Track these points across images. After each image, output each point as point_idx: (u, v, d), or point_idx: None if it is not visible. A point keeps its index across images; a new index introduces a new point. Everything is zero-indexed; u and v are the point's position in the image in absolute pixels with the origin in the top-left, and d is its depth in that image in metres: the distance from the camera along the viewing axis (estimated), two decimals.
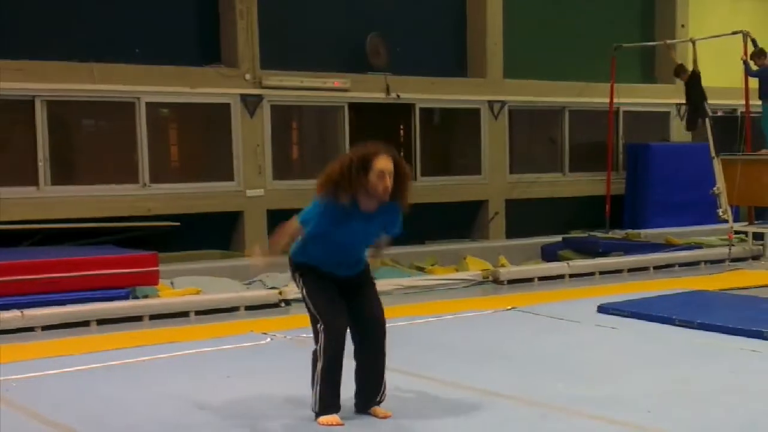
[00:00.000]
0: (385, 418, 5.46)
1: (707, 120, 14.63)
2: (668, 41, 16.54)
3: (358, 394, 5.51)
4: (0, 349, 7.93)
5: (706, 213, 15.23)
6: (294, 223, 5.31)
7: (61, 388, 6.40)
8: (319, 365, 5.23)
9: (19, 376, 6.65)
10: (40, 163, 12.50)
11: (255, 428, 5.37)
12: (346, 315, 5.31)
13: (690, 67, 15.21)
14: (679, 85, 16.36)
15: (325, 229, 5.23)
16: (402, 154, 15.73)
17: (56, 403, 5.95)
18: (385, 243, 5.60)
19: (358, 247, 5.41)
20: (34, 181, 12.50)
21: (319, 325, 5.24)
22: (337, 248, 5.31)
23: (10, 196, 12.23)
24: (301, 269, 5.38)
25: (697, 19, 18.79)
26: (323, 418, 5.29)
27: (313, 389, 5.30)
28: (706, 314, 8.41)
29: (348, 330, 5.35)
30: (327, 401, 5.30)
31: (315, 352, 5.27)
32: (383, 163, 5.14)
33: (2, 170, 12.43)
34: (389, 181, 5.15)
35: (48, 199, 12.52)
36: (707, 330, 7.94)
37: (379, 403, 5.52)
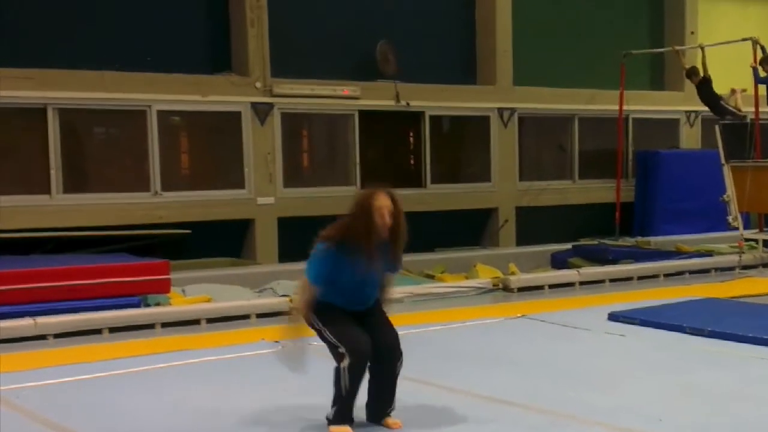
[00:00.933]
0: (395, 428, 5.53)
1: (717, 127, 14.62)
2: (677, 47, 16.54)
3: (370, 405, 5.60)
4: (13, 357, 8.00)
5: (716, 220, 15.22)
6: (307, 287, 5.45)
7: (73, 395, 6.43)
8: (343, 384, 5.34)
9: (31, 384, 6.69)
10: (53, 171, 12.55)
11: None
12: (366, 338, 5.41)
13: (701, 72, 15.20)
14: (689, 92, 16.36)
15: (333, 277, 5.39)
16: (412, 161, 15.87)
17: (68, 411, 5.99)
18: (390, 284, 5.74)
19: (366, 287, 5.53)
20: (46, 190, 12.55)
21: (340, 349, 5.34)
22: (346, 289, 5.46)
23: (23, 204, 12.30)
24: (314, 308, 5.46)
25: (706, 26, 18.79)
26: (335, 428, 5.39)
27: (334, 404, 5.41)
28: (716, 322, 8.41)
29: None
30: (345, 415, 5.42)
31: (338, 370, 5.37)
32: (381, 201, 5.36)
33: (15, 178, 12.50)
34: (387, 218, 5.35)
35: (60, 207, 12.56)
36: (717, 338, 7.96)
37: (389, 413, 5.60)
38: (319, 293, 5.43)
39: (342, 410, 5.42)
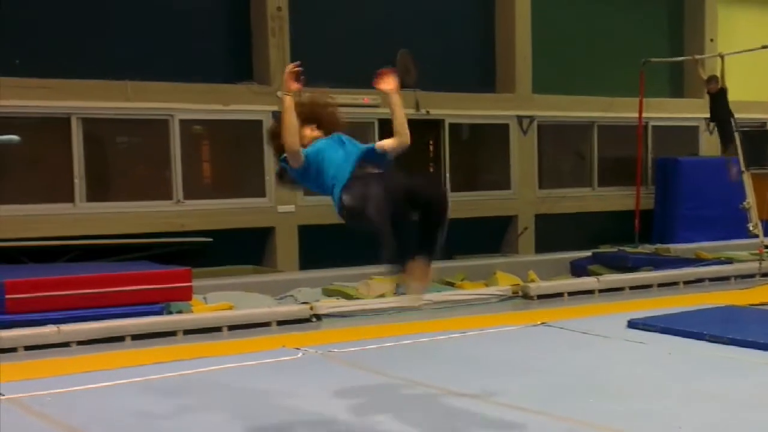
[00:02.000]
0: (418, 276, 5.39)
1: (736, 135, 14.61)
2: (697, 56, 16.52)
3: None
4: (37, 364, 8.09)
5: (736, 227, 15.15)
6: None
7: (96, 402, 6.47)
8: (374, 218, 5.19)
9: (55, 391, 6.72)
10: (76, 180, 12.67)
11: None
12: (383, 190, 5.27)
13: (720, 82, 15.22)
14: (708, 99, 16.35)
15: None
16: (431, 169, 15.90)
17: (91, 418, 6.02)
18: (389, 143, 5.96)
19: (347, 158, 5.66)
20: (69, 198, 12.68)
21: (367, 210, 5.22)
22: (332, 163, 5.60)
23: (47, 213, 12.44)
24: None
25: (726, 32, 18.76)
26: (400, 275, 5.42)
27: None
28: (736, 329, 8.39)
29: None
30: (397, 261, 5.32)
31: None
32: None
33: (39, 187, 12.63)
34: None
35: (83, 216, 12.68)
36: (738, 345, 7.92)
37: (429, 254, 5.43)
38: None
39: (391, 260, 5.27)
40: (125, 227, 12.88)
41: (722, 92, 15.05)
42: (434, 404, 6.13)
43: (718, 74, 15.23)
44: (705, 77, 15.64)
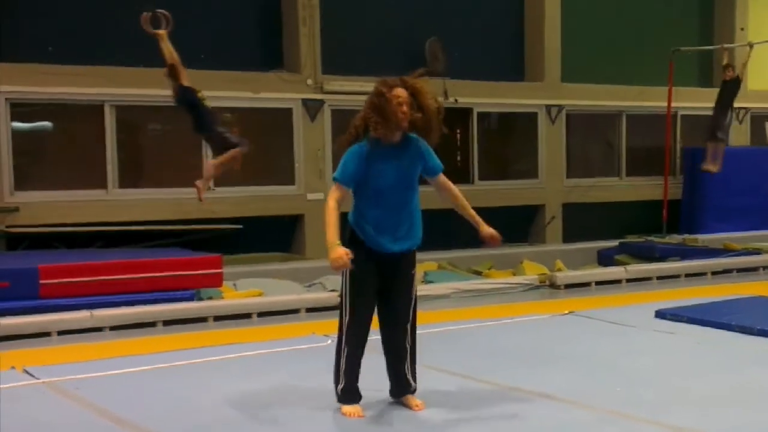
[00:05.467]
0: (417, 409, 5.68)
1: (766, 124, 14.53)
2: (725, 45, 16.40)
3: (388, 377, 5.80)
4: (71, 348, 8.22)
5: (765, 218, 15.14)
6: (331, 194, 5.52)
7: (129, 386, 6.57)
8: (342, 349, 5.60)
9: (88, 375, 6.84)
10: (109, 167, 12.79)
11: (319, 428, 5.52)
12: (373, 311, 5.62)
13: (737, 70, 15.09)
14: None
15: (358, 170, 5.48)
16: (460, 158, 15.94)
17: (124, 401, 6.11)
18: (447, 185, 5.80)
19: (400, 190, 5.55)
20: (102, 185, 12.80)
21: (345, 310, 5.55)
22: (382, 199, 5.50)
23: (80, 199, 12.57)
24: (352, 239, 5.55)
25: (756, 22, 18.64)
26: (347, 408, 5.62)
27: (335, 380, 5.67)
28: (765, 320, 8.37)
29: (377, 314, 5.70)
30: (352, 392, 5.65)
31: (339, 340, 5.62)
32: (397, 92, 5.46)
33: (72, 174, 12.76)
34: (406, 108, 5.45)
35: (116, 202, 12.81)
36: (766, 336, 7.94)
37: (412, 391, 5.76)
38: (361, 213, 5.51)
39: (346, 387, 5.60)
40: (157, 214, 13.00)
41: (735, 81, 14.92)
42: (460, 392, 6.19)
43: (744, 63, 15.11)
44: (724, 62, 15.52)
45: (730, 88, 15.02)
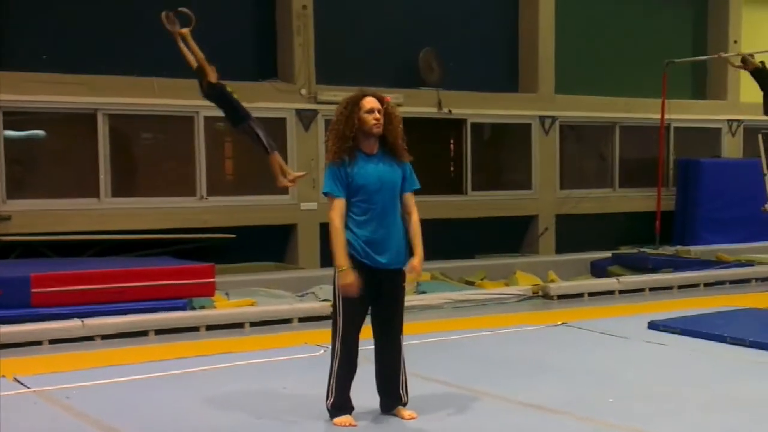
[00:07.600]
0: (410, 419, 5.71)
1: (759, 136, 14.55)
2: (723, 54, 16.36)
3: (378, 392, 5.82)
4: (62, 358, 8.20)
5: (757, 230, 15.17)
6: (331, 211, 5.59)
7: (120, 396, 6.56)
8: (334, 361, 5.64)
9: (79, 384, 6.82)
10: (101, 176, 12.74)
11: None
12: (360, 328, 5.66)
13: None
14: (731, 101, 16.28)
15: (340, 175, 5.54)
16: (453, 168, 15.95)
17: (115, 411, 6.10)
18: (412, 205, 5.81)
19: (385, 192, 5.61)
20: (95, 193, 12.75)
21: (338, 325, 5.61)
22: (370, 204, 5.56)
23: (73, 207, 12.53)
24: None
25: (749, 34, 18.68)
26: (338, 419, 5.63)
27: (327, 394, 5.69)
28: (757, 332, 8.41)
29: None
30: (343, 403, 5.66)
31: (332, 355, 5.66)
32: (370, 102, 5.62)
33: (65, 182, 12.72)
34: (379, 116, 5.60)
35: (108, 211, 12.75)
36: (759, 348, 7.95)
37: (404, 404, 5.79)
38: (354, 225, 5.57)
39: (336, 403, 5.63)
40: (149, 223, 12.96)
41: (762, 70, 14.68)
42: (452, 402, 6.17)
43: (741, 74, 15.03)
44: (737, 64, 15.33)
45: (763, 75, 14.78)
